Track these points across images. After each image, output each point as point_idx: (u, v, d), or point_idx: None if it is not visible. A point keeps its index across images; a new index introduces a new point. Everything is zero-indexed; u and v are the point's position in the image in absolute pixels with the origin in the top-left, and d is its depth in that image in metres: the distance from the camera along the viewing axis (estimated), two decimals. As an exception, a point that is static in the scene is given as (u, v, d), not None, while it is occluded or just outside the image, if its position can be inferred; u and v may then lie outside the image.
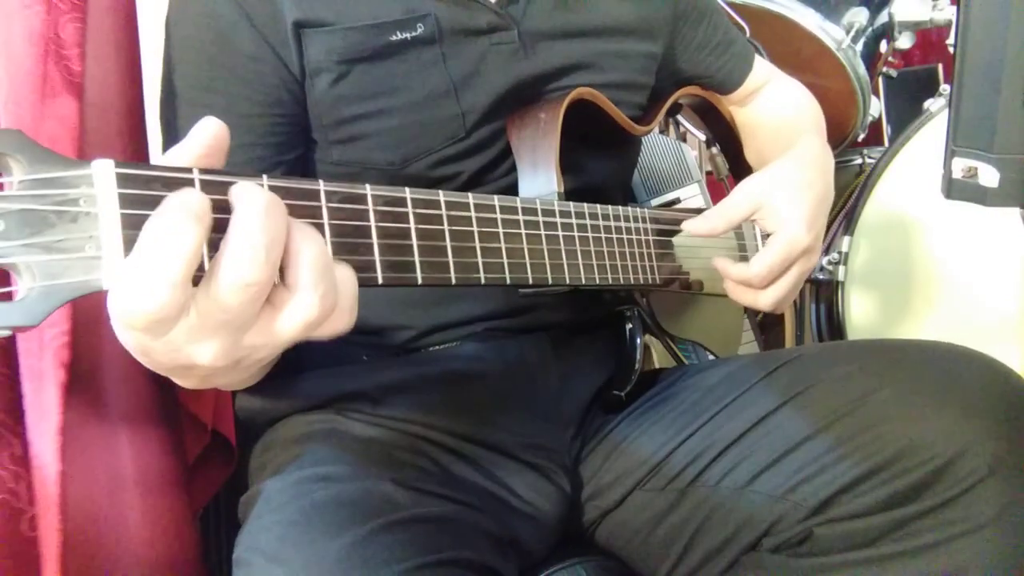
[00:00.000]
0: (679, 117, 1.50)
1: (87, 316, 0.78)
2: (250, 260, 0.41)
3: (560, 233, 0.67)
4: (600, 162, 0.86)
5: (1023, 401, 0.68)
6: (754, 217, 0.83)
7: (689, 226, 0.82)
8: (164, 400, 0.88)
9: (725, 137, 1.08)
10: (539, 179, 0.74)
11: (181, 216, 0.39)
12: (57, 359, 0.72)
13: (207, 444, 1.03)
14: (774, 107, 1.03)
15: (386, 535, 0.62)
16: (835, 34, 1.42)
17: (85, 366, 0.80)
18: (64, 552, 0.72)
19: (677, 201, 1.36)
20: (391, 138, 0.75)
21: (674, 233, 0.86)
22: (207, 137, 0.44)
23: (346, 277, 0.47)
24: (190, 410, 1.01)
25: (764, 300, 0.82)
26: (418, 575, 0.59)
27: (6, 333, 0.38)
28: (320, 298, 0.44)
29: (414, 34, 0.73)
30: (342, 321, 0.47)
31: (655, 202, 1.35)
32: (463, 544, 0.66)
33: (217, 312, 0.42)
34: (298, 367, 0.81)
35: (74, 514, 0.77)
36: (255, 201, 0.41)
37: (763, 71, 1.03)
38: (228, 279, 0.41)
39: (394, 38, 0.73)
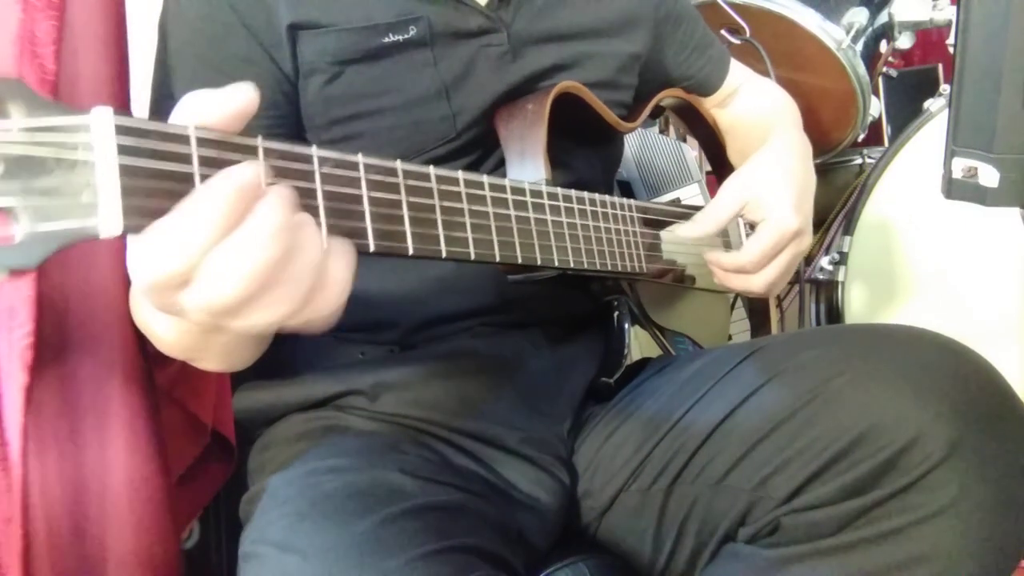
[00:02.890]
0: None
1: (56, 317, 0.78)
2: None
3: (548, 216, 0.69)
4: (585, 158, 0.89)
5: (980, 382, 0.67)
6: (742, 213, 0.85)
7: (681, 232, 0.84)
8: (150, 404, 0.88)
9: (706, 139, 1.11)
10: (527, 168, 0.76)
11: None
12: (22, 361, 0.72)
13: (207, 444, 1.03)
14: (752, 106, 1.07)
15: (398, 523, 0.62)
16: (835, 34, 1.42)
17: (63, 368, 0.80)
18: (28, 552, 0.72)
19: (677, 201, 1.36)
20: (383, 138, 0.77)
21: (661, 225, 0.88)
22: (241, 102, 0.44)
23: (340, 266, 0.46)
24: (190, 410, 1.01)
25: (756, 283, 0.84)
26: (431, 560, 0.60)
27: (3, 275, 0.38)
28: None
29: (406, 36, 0.75)
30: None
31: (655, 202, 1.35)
32: (473, 532, 0.66)
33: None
34: (295, 367, 0.82)
35: (52, 516, 0.76)
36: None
37: (739, 73, 1.08)
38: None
39: (387, 40, 0.74)
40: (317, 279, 0.44)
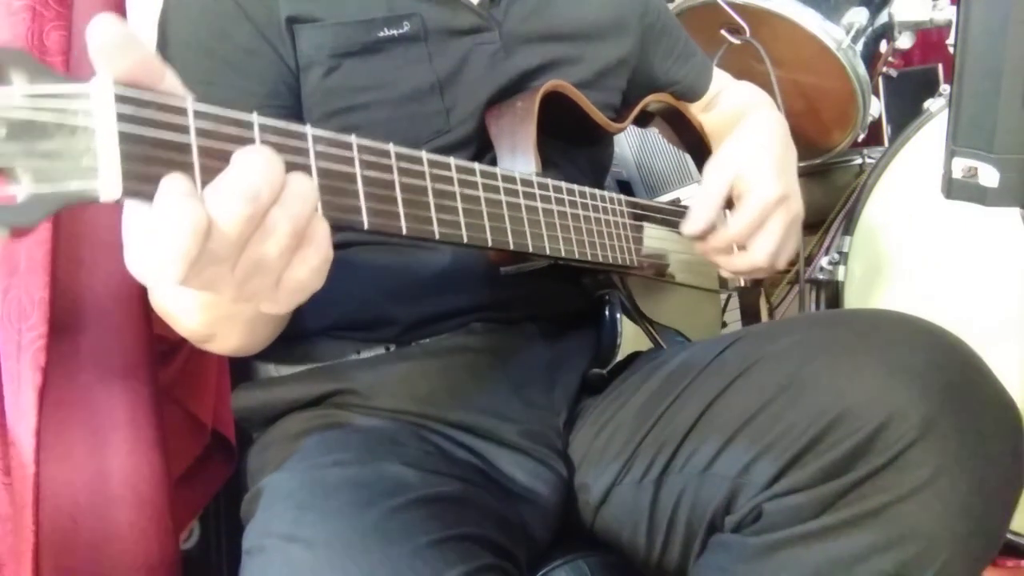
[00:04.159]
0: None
1: (67, 319, 0.78)
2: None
3: (539, 204, 0.70)
4: (573, 158, 0.90)
5: (953, 361, 0.67)
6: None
7: (685, 229, 0.85)
8: (152, 405, 0.88)
9: (693, 144, 1.13)
10: (518, 162, 0.78)
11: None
12: (34, 362, 0.72)
13: (207, 444, 1.04)
14: (732, 105, 1.11)
15: (403, 513, 0.63)
16: (835, 34, 1.42)
17: (67, 370, 0.80)
18: (38, 553, 0.73)
19: (677, 201, 1.36)
20: (379, 130, 0.78)
21: (650, 220, 0.90)
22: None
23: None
24: (190, 410, 1.01)
25: (758, 256, 0.84)
26: (437, 549, 0.60)
27: (4, 233, 0.39)
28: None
29: (401, 31, 0.77)
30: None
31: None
32: (477, 522, 0.67)
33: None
34: (292, 365, 0.82)
35: (52, 516, 0.77)
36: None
37: (721, 79, 1.12)
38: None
39: (382, 34, 0.77)
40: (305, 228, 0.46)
